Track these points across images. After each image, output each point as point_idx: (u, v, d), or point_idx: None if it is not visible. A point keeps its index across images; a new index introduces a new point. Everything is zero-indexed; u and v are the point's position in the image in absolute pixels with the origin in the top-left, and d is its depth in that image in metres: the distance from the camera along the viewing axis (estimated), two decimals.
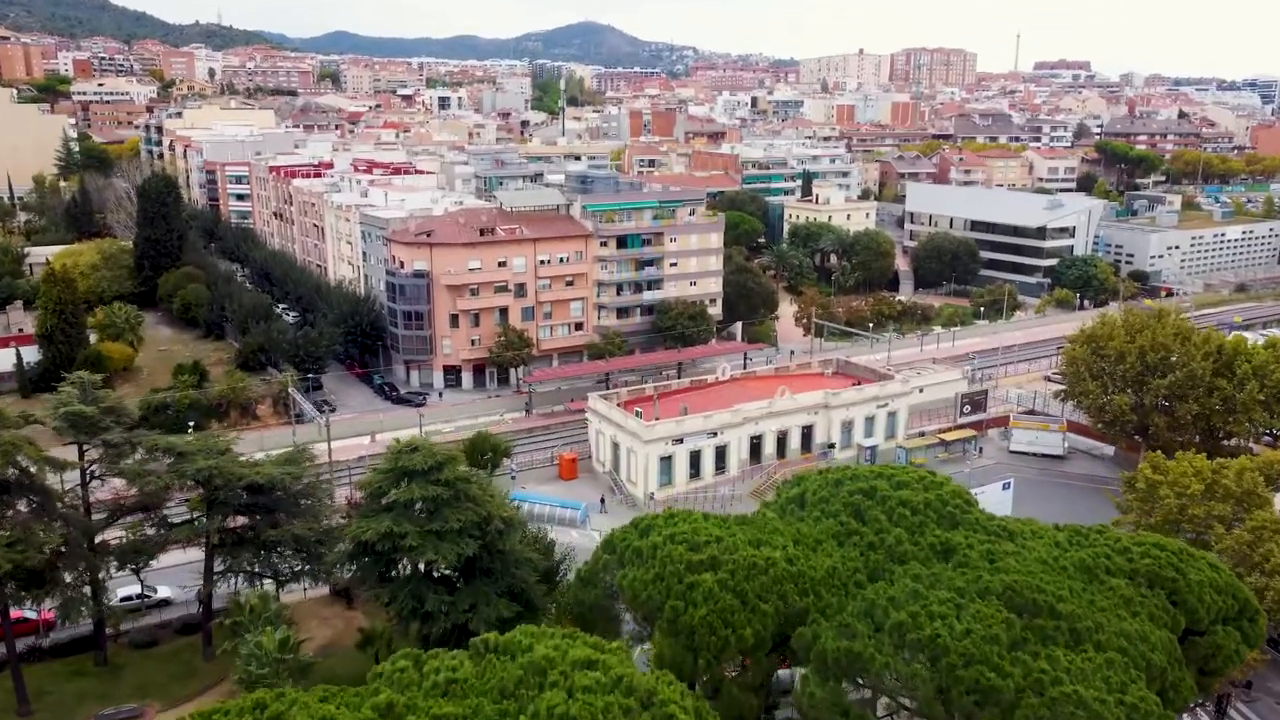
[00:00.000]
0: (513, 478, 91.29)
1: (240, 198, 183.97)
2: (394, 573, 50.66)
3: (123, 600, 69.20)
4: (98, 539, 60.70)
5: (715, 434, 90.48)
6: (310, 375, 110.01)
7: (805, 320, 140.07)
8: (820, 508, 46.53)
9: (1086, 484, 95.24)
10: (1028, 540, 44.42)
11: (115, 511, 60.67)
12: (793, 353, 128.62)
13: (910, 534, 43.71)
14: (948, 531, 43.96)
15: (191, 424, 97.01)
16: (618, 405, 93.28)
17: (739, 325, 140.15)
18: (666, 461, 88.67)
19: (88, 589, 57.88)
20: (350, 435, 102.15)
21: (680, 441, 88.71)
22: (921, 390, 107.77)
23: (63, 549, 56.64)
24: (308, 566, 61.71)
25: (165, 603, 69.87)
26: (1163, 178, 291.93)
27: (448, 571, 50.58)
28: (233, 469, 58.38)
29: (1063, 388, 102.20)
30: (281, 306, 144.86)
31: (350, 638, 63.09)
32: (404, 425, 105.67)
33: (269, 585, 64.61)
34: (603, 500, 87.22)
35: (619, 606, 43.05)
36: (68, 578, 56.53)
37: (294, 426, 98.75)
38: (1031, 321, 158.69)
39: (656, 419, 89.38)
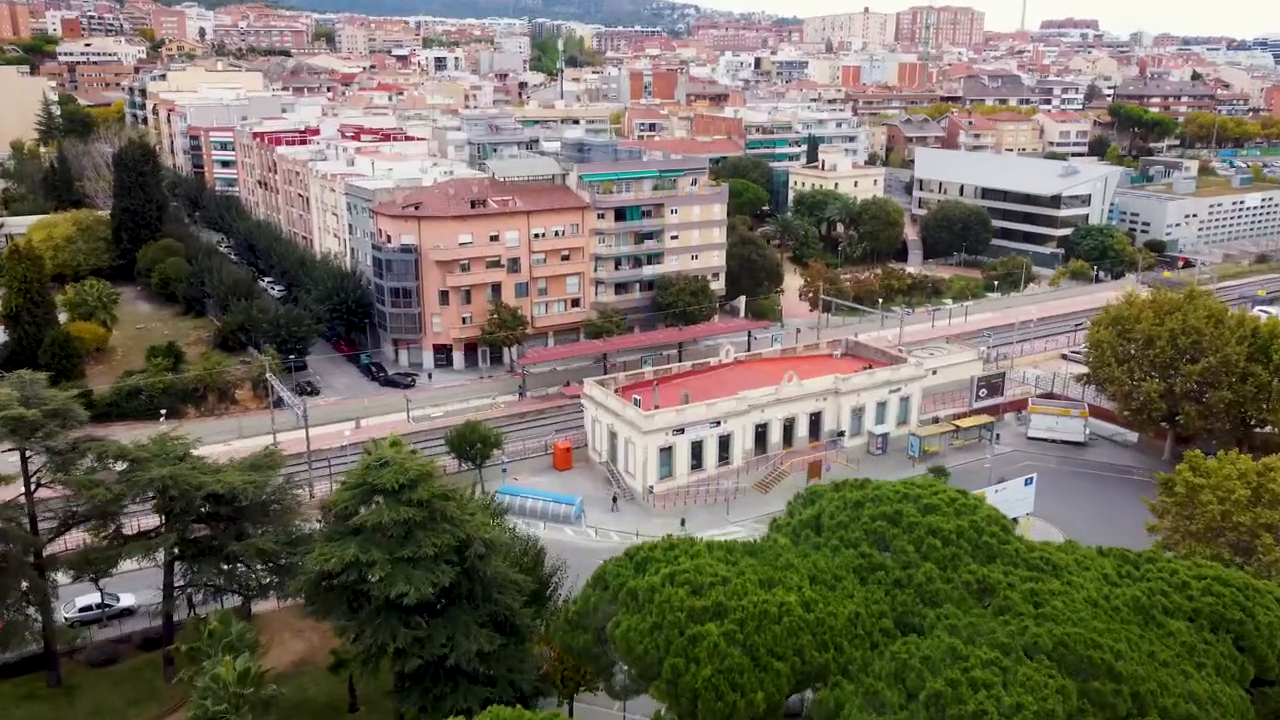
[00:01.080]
0: (503, 470, 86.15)
1: (225, 164, 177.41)
2: (364, 600, 45.40)
3: (81, 610, 64.74)
4: (46, 551, 55.88)
5: (718, 423, 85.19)
6: (292, 357, 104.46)
7: (812, 294, 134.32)
8: (839, 535, 41.29)
9: (1110, 474, 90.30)
10: (1073, 575, 39.22)
11: (66, 520, 55.53)
12: (799, 330, 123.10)
13: (942, 569, 38.50)
14: (984, 566, 38.75)
15: (164, 412, 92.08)
16: (615, 392, 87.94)
17: (742, 300, 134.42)
18: (666, 453, 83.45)
19: (33, 609, 52.98)
20: (333, 421, 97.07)
21: (681, 431, 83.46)
22: (935, 372, 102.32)
23: (2, 565, 51.72)
24: (276, 580, 56.73)
25: (128, 612, 65.19)
26: (1176, 141, 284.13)
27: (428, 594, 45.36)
28: (191, 478, 53.01)
29: (1085, 370, 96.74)
30: (267, 280, 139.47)
31: (325, 654, 58.38)
32: (390, 410, 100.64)
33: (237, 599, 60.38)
34: (615, 499, 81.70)
35: (612, 652, 37.97)
36: (9, 598, 51.60)
37: (273, 413, 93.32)
38: (1045, 294, 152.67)
39: (656, 407, 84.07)
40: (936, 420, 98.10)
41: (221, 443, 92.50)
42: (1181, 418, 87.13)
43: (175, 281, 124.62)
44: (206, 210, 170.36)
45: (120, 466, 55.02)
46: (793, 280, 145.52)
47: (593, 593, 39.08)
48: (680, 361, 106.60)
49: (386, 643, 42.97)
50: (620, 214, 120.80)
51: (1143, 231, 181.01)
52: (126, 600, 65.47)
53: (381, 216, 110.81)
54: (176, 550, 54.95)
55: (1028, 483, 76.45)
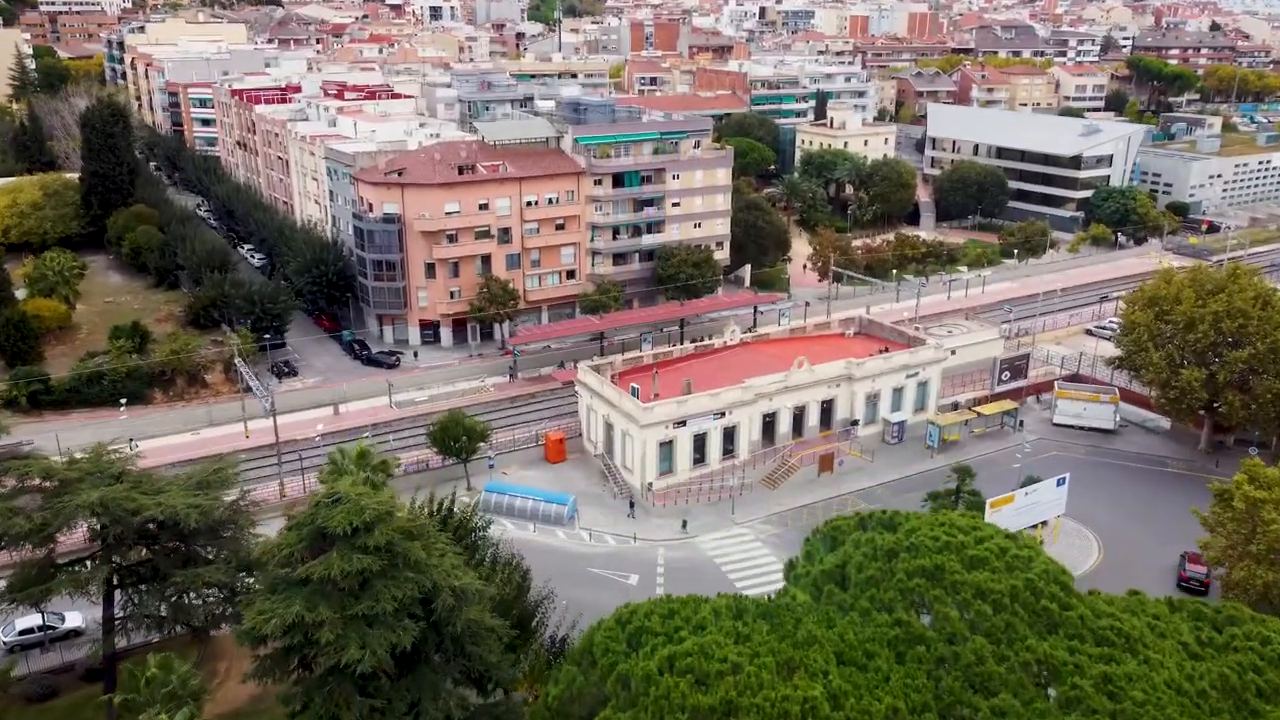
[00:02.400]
0: (490, 465, 79.83)
1: (205, 123, 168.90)
2: (311, 664, 39.12)
3: (21, 633, 58.86)
4: None
5: (723, 414, 78.68)
6: (269, 335, 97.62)
7: (820, 264, 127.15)
8: (868, 593, 34.95)
9: (1142, 465, 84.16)
10: (1149, 649, 32.92)
11: None
12: (808, 304, 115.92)
13: (995, 644, 32.20)
14: (1045, 641, 32.44)
15: (124, 401, 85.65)
16: (611, 379, 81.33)
17: (747, 269, 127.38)
18: (667, 447, 77.05)
19: None
20: (310, 406, 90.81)
21: (683, 424, 76.97)
22: (954, 352, 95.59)
23: None
24: (229, 610, 50.58)
25: (74, 634, 59.24)
26: (1196, 96, 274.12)
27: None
28: (126, 501, 46.52)
29: (1118, 353, 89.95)
30: (247, 248, 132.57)
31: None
32: (372, 394, 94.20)
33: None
34: (631, 505, 74.77)
35: None
36: None
37: (244, 399, 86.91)
38: (1065, 261, 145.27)
39: (656, 396, 77.54)
40: (956, 406, 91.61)
41: (190, 432, 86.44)
42: (1223, 407, 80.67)
43: (147, 251, 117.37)
44: (185, 172, 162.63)
45: (50, 485, 48.64)
46: (800, 246, 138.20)
47: (577, 673, 32.83)
48: (682, 339, 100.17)
49: (339, 714, 36.78)
50: (618, 180, 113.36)
51: (1164, 193, 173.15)
52: (73, 620, 59.59)
53: (362, 183, 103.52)
54: (114, 580, 48.76)
55: (1060, 483, 69.98)
